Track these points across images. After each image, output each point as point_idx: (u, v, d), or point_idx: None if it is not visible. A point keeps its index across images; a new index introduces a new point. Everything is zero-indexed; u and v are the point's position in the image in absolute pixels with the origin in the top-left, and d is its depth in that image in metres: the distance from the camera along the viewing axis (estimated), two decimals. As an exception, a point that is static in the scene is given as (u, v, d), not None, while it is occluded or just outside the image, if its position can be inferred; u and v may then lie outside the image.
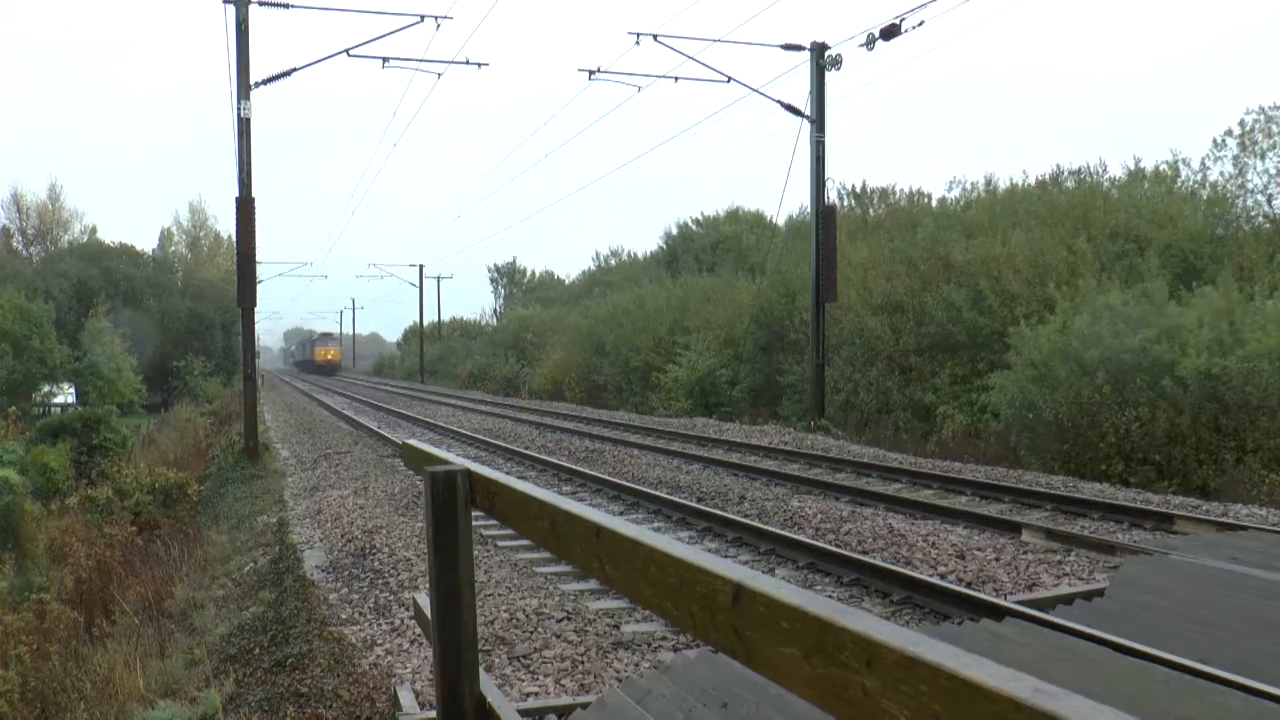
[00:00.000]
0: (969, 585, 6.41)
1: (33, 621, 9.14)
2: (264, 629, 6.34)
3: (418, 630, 5.57)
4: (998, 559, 7.20)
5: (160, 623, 8.29)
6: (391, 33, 18.46)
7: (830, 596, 5.96)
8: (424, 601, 3.15)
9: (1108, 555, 7.16)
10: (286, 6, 17.89)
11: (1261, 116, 16.67)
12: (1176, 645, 4.57)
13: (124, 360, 47.76)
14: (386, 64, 19.11)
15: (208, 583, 9.17)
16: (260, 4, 17.58)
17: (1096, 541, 7.51)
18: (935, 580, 6.32)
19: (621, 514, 9.85)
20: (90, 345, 46.34)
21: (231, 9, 17.36)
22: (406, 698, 4.56)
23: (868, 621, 1.04)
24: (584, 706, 4.19)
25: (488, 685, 2.69)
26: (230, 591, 8.26)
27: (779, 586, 1.19)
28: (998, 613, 5.28)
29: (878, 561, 6.92)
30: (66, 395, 42.78)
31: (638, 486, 11.08)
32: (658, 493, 10.58)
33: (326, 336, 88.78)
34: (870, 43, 17.81)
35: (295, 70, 18.25)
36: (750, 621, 1.21)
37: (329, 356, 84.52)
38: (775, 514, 9.55)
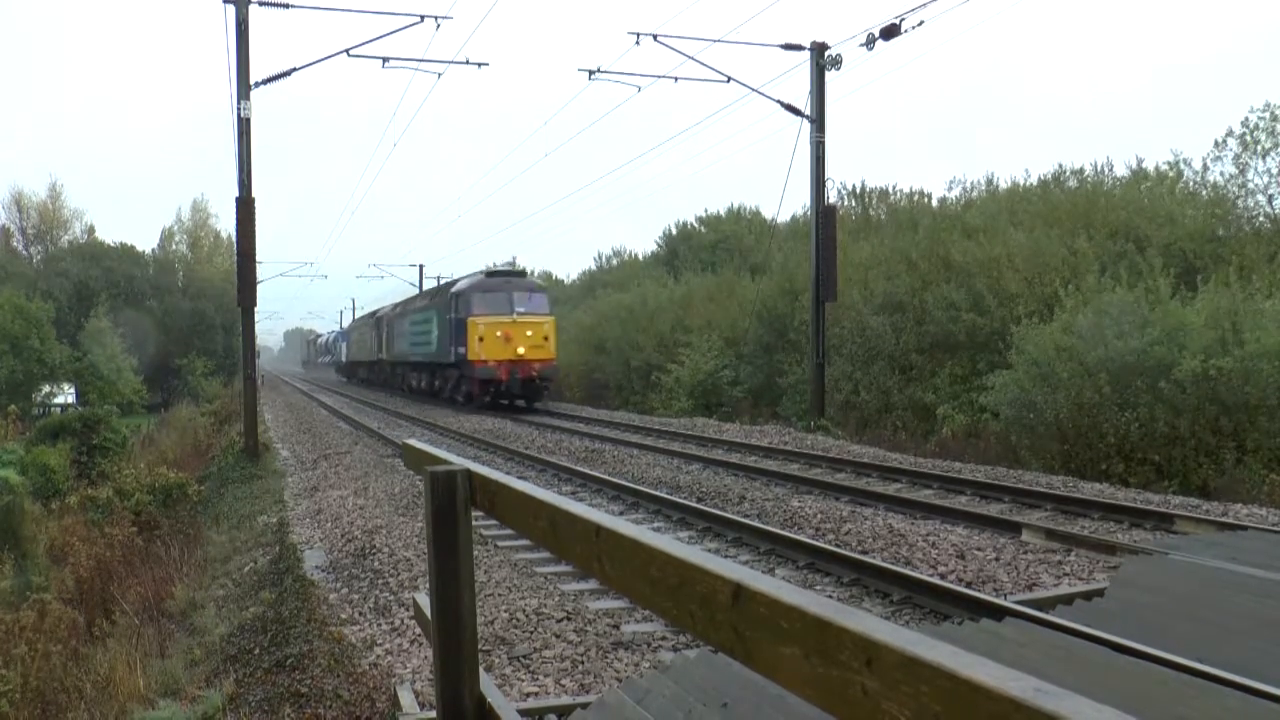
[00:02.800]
0: (969, 585, 6.40)
1: (33, 621, 9.14)
2: (264, 629, 6.34)
3: (418, 630, 5.57)
4: (998, 559, 7.20)
5: (160, 623, 8.28)
6: (391, 33, 18.45)
7: (830, 596, 5.96)
8: (424, 601, 3.15)
9: (1107, 555, 7.15)
10: (286, 6, 17.88)
11: (1267, 114, 16.62)
12: (1177, 645, 4.57)
13: (124, 360, 47.81)
14: (386, 64, 19.12)
15: (208, 583, 9.17)
16: (260, 4, 17.57)
17: (1096, 541, 7.50)
18: (935, 580, 6.32)
19: (621, 514, 9.85)
20: (90, 345, 46.37)
21: (231, 9, 17.33)
22: (406, 698, 4.56)
23: (868, 621, 1.04)
24: (584, 706, 4.19)
25: (488, 685, 2.70)
26: (230, 591, 8.26)
27: (779, 586, 1.20)
28: (998, 613, 5.29)
29: (878, 561, 6.91)
30: (66, 395, 42.82)
31: (638, 486, 11.07)
32: (658, 493, 10.56)
33: (510, 282, 25.96)
34: (870, 43, 17.79)
35: (295, 70, 18.25)
36: (750, 621, 1.21)
37: (524, 353, 24.90)
38: (775, 514, 9.54)
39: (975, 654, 0.92)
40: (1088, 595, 5.79)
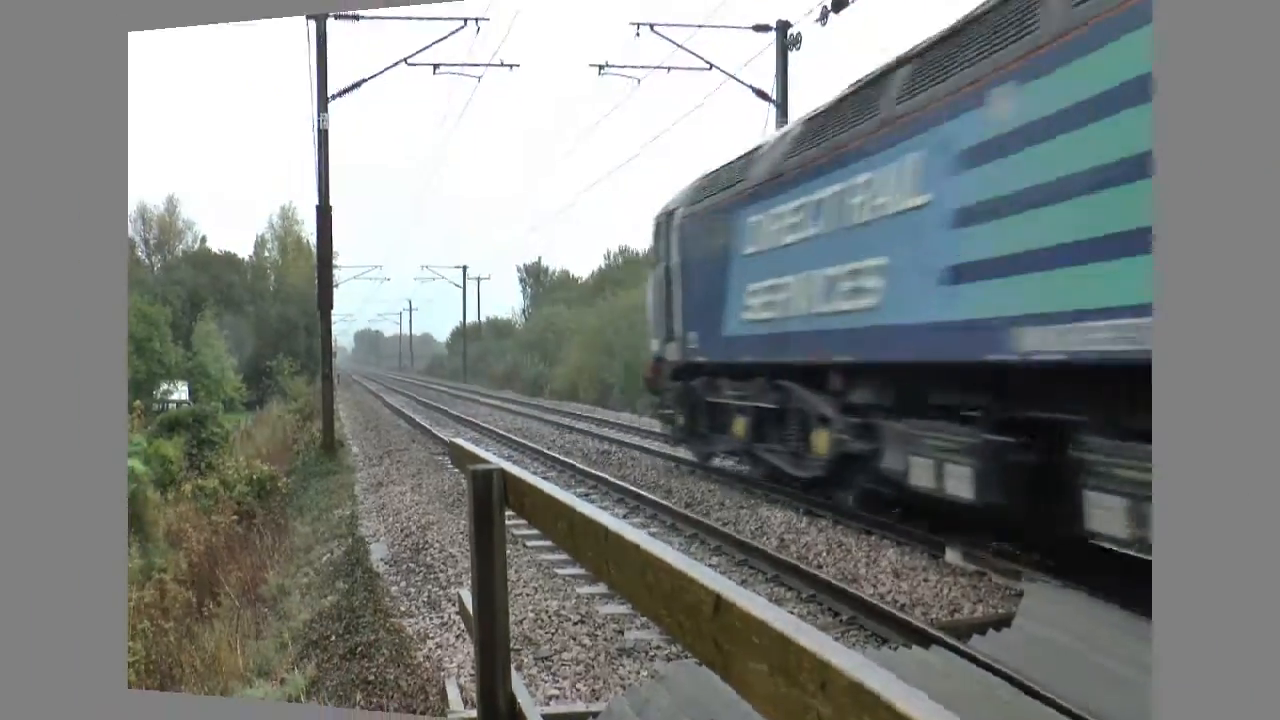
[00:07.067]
0: (903, 607, 5.91)
1: (154, 599, 9.09)
2: (339, 617, 6.12)
3: (462, 625, 5.27)
4: (925, 580, 6.60)
5: (256, 606, 8.12)
6: (440, 40, 16.83)
7: (792, 612, 5.78)
8: (466, 597, 2.77)
9: (1014, 580, 6.31)
10: (356, 18, 16.82)
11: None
12: (1073, 687, 4.09)
13: (227, 360, 47.84)
14: (437, 70, 17.33)
15: (294, 571, 8.94)
16: (336, 18, 16.59)
17: (1004, 567, 6.64)
18: (875, 601, 5.88)
19: (625, 517, 9.35)
20: (200, 347, 46.48)
21: (313, 24, 16.45)
22: (453, 693, 4.32)
23: (822, 640, 0.91)
24: (594, 715, 3.99)
25: (518, 685, 2.41)
26: (312, 579, 8.04)
27: (752, 599, 1.04)
28: (925, 639, 4.92)
29: (829, 578, 6.46)
30: (180, 392, 42.96)
31: (636, 489, 10.55)
32: (653, 496, 10.03)
33: None
34: (823, 16, 14.75)
35: (364, 81, 17.04)
36: (728, 634, 1.06)
37: None
38: (747, 521, 8.89)
39: (910, 683, 0.81)
40: (997, 625, 5.29)
